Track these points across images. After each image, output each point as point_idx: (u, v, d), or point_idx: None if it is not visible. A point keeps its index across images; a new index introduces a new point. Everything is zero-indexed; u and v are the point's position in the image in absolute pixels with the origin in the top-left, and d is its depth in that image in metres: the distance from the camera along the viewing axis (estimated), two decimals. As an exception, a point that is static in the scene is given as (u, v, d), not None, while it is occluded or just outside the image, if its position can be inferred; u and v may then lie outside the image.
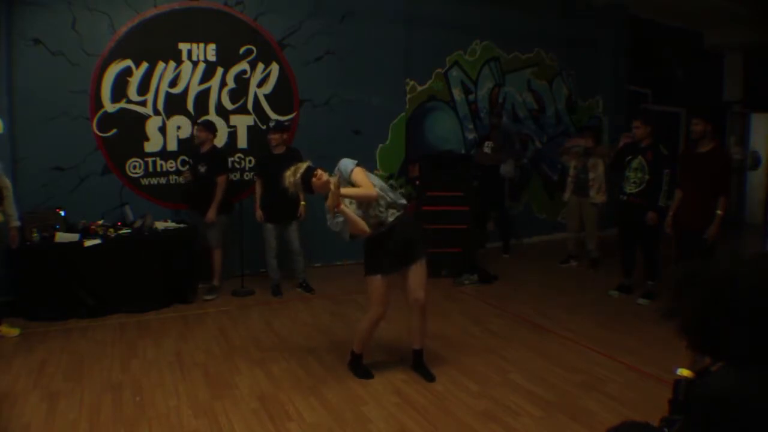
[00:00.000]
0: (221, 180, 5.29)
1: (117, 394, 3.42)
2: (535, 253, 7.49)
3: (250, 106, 6.16)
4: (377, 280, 3.50)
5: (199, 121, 5.62)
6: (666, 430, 1.62)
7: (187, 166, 5.58)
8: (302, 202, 5.44)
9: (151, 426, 3.05)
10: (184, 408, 3.26)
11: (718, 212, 4.57)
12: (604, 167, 6.31)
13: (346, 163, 3.36)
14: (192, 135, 5.62)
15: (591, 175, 6.41)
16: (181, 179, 5.60)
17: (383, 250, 3.44)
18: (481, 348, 4.22)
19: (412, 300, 3.59)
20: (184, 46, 5.77)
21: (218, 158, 5.43)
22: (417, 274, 3.50)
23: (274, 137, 5.36)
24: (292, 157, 5.36)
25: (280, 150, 5.39)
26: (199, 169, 5.33)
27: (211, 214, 5.26)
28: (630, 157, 5.23)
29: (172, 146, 5.79)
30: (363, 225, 3.30)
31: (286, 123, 6.22)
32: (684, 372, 1.68)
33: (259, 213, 5.39)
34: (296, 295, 5.58)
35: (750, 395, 1.31)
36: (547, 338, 4.44)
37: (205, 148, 5.35)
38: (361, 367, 3.72)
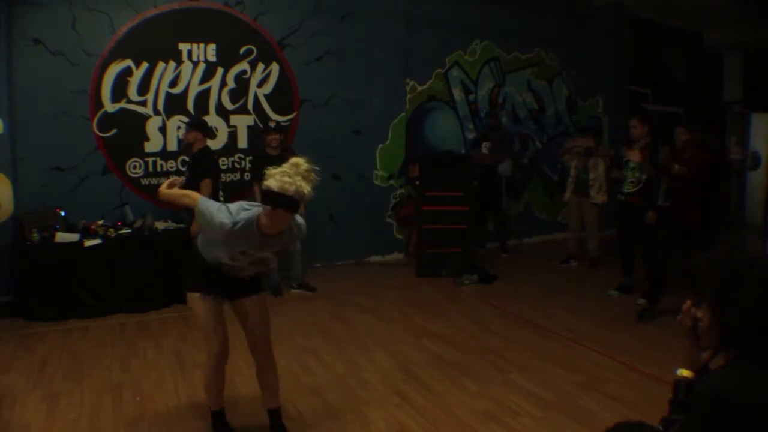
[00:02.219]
0: (204, 184, 4.74)
1: (117, 394, 3.42)
2: (535, 253, 7.49)
3: (250, 106, 6.16)
4: None
5: (186, 121, 5.41)
6: (661, 428, 1.62)
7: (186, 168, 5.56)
8: None
9: (151, 426, 3.05)
10: (184, 408, 3.26)
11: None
12: (604, 167, 6.31)
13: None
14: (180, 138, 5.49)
15: (591, 175, 6.41)
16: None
17: None
18: (481, 348, 4.21)
19: None
20: (184, 46, 5.77)
21: (204, 161, 4.95)
22: None
23: (275, 138, 5.33)
24: (287, 156, 5.34)
25: (276, 151, 5.37)
26: (186, 174, 5.11)
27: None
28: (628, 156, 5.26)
29: (173, 146, 5.79)
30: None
31: (284, 124, 6.22)
32: (684, 372, 1.68)
33: None
34: (296, 295, 5.57)
35: (749, 394, 1.32)
36: (547, 338, 4.43)
37: (195, 149, 5.01)
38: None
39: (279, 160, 5.37)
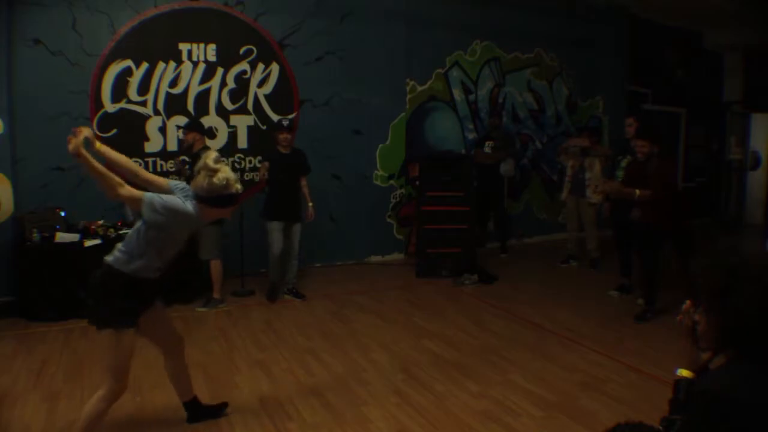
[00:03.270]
0: None
1: (117, 394, 3.41)
2: (535, 253, 7.49)
3: (250, 106, 6.16)
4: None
5: (183, 124, 5.42)
6: (661, 428, 1.62)
7: (187, 166, 5.55)
8: (310, 203, 5.40)
9: (152, 426, 3.06)
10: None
11: (637, 192, 4.65)
12: (600, 167, 6.31)
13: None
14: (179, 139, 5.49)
15: (587, 175, 6.41)
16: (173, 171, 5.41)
17: None
18: (481, 348, 4.21)
19: None
20: (184, 46, 5.77)
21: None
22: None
23: (286, 137, 5.26)
24: (298, 156, 5.34)
25: (287, 150, 5.31)
26: (188, 173, 5.07)
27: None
28: (621, 156, 5.27)
29: (172, 146, 5.78)
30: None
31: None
32: (684, 372, 1.68)
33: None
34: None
35: (749, 394, 1.31)
36: (547, 338, 4.43)
37: (195, 150, 4.97)
38: None
39: (290, 159, 5.34)
